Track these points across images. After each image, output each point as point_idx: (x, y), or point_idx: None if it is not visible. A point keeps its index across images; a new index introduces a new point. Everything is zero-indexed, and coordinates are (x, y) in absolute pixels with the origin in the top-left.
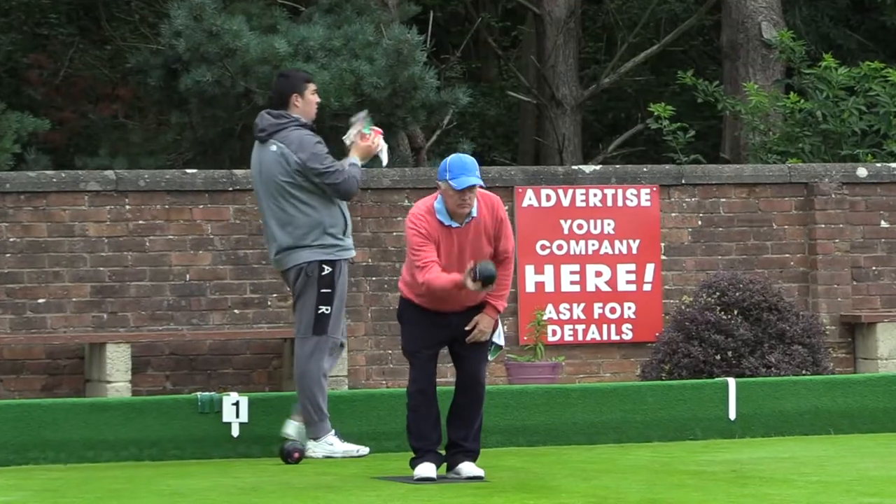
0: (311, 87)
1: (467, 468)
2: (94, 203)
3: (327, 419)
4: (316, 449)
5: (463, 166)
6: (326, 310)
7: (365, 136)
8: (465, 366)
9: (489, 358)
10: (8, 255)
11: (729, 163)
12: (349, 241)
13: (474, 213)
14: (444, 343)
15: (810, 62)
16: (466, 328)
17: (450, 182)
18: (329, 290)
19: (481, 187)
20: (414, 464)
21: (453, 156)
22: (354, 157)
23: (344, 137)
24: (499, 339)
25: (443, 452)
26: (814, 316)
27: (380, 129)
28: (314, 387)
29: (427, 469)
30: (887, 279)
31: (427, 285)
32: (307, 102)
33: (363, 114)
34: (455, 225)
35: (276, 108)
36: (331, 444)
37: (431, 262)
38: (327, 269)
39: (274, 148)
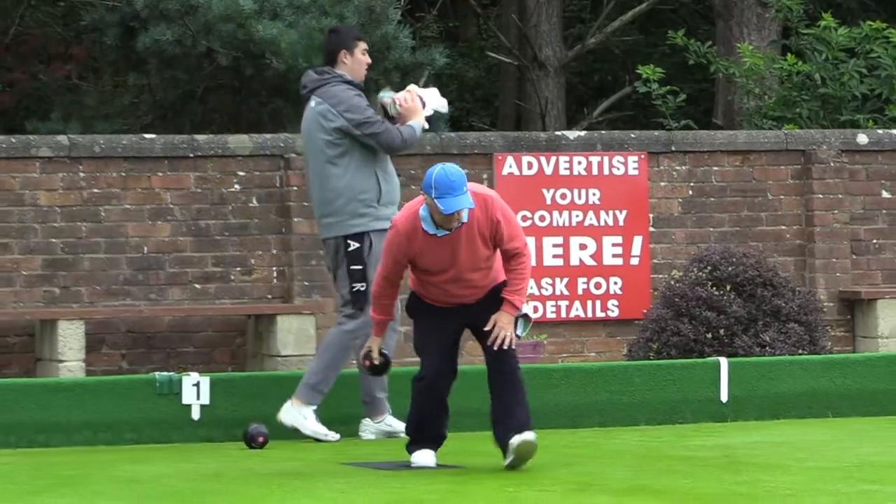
0: (362, 45)
1: (524, 435)
2: (45, 170)
3: (319, 397)
4: (287, 414)
5: (449, 185)
6: (361, 286)
7: (401, 103)
8: (490, 359)
9: (519, 333)
10: None
11: (722, 129)
12: (386, 211)
13: (464, 219)
14: (459, 333)
15: (808, 22)
16: (486, 328)
17: (436, 202)
18: (360, 267)
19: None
20: (411, 450)
21: (438, 170)
22: (409, 123)
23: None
24: (526, 309)
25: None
26: (811, 292)
27: (399, 95)
28: (336, 361)
29: (425, 456)
30: (889, 253)
31: (371, 306)
32: (356, 61)
33: (384, 94)
34: (443, 233)
35: (325, 65)
36: (304, 418)
37: (387, 280)
38: (354, 245)
39: (313, 104)
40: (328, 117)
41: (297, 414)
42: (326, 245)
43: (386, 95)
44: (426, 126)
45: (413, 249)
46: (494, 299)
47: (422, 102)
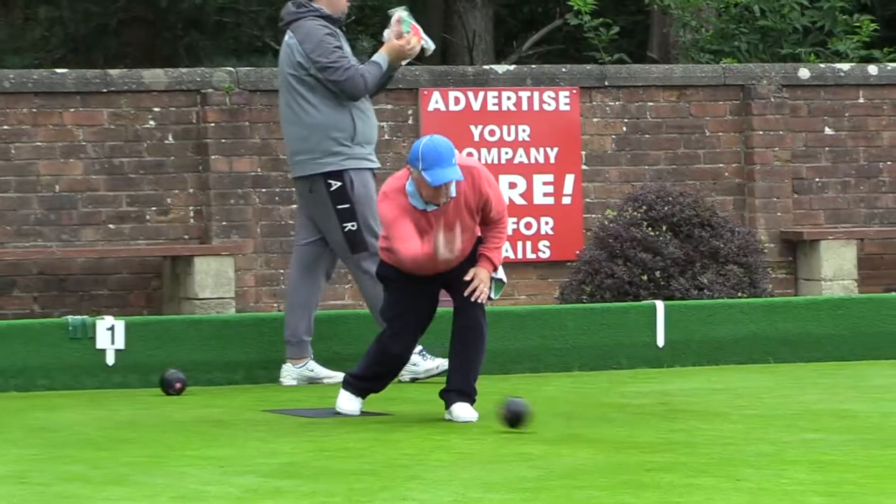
0: None
1: (461, 410)
2: None
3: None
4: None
5: (437, 157)
6: (353, 226)
7: (403, 36)
8: (461, 307)
9: (492, 296)
10: None
11: (657, 63)
12: (361, 150)
13: (453, 194)
14: (432, 301)
15: None
16: (465, 278)
17: (423, 175)
18: (347, 205)
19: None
20: (343, 390)
21: (426, 141)
22: (381, 56)
23: (383, 36)
24: (500, 274)
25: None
26: (751, 232)
27: (418, 27)
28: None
29: (348, 401)
30: (832, 192)
31: (412, 260)
32: None
33: (401, 11)
34: (432, 208)
35: None
36: (415, 365)
37: (410, 237)
38: (336, 185)
39: (287, 38)
40: (296, 52)
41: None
42: (297, 185)
43: (405, 25)
44: (402, 61)
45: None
46: (471, 260)
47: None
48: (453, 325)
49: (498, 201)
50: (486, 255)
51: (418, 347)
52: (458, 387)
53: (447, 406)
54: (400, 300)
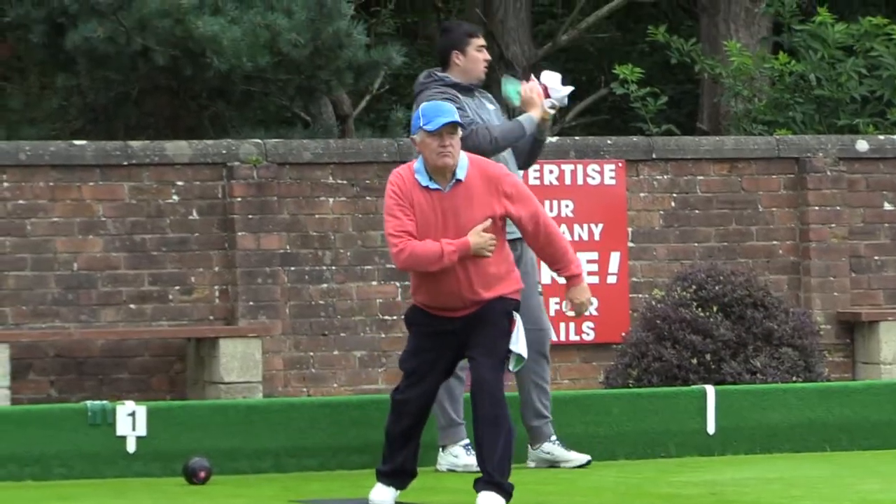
0: (476, 42)
1: (484, 500)
2: None
3: (458, 426)
4: (441, 461)
5: (438, 109)
6: None
7: (523, 92)
8: (474, 373)
9: (510, 368)
10: None
11: (707, 134)
12: None
13: (460, 176)
14: (445, 353)
15: (802, 17)
16: (565, 310)
17: (424, 128)
18: None
19: (462, 128)
20: (375, 485)
21: (425, 103)
22: (525, 115)
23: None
24: (515, 346)
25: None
26: (806, 313)
27: (546, 84)
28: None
29: (379, 492)
30: (892, 270)
31: (408, 254)
32: (470, 60)
33: (504, 80)
34: (436, 187)
35: (440, 67)
36: (455, 457)
37: (406, 232)
38: None
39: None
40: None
41: (448, 456)
42: None
43: (511, 89)
44: (544, 116)
45: (410, 199)
46: (488, 320)
47: (545, 91)
48: (473, 408)
49: (525, 200)
50: (567, 274)
51: (464, 441)
52: (484, 476)
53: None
54: (418, 352)
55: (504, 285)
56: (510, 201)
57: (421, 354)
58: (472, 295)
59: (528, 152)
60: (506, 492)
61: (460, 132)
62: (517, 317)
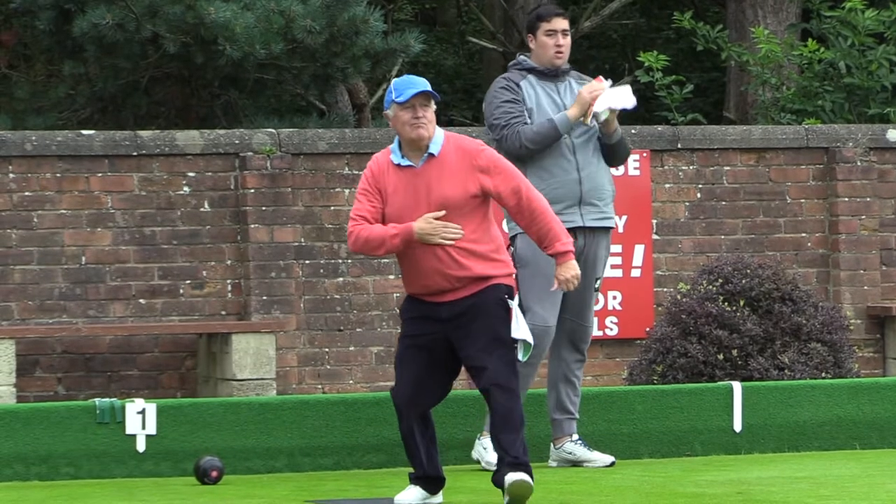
0: (545, 25)
1: (513, 478)
2: None
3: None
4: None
5: (409, 82)
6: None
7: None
8: (482, 373)
9: (520, 358)
10: None
11: (734, 123)
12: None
13: (433, 151)
14: (433, 341)
15: (832, 3)
16: (553, 288)
17: (395, 101)
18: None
19: (436, 101)
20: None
21: (397, 78)
22: (561, 113)
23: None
24: (517, 333)
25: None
26: (835, 308)
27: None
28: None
29: (406, 493)
30: None
31: (355, 238)
32: (540, 45)
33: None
34: (408, 164)
35: None
36: (485, 448)
37: (361, 216)
38: (512, 249)
39: None
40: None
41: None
42: None
43: (602, 112)
44: (583, 120)
45: (383, 183)
46: (482, 312)
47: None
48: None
49: (506, 175)
50: (554, 252)
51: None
52: (508, 459)
53: (499, 484)
54: (405, 345)
55: (493, 266)
56: (487, 175)
57: (404, 340)
58: (459, 270)
59: (607, 156)
60: (531, 474)
61: (433, 104)
62: (513, 304)
